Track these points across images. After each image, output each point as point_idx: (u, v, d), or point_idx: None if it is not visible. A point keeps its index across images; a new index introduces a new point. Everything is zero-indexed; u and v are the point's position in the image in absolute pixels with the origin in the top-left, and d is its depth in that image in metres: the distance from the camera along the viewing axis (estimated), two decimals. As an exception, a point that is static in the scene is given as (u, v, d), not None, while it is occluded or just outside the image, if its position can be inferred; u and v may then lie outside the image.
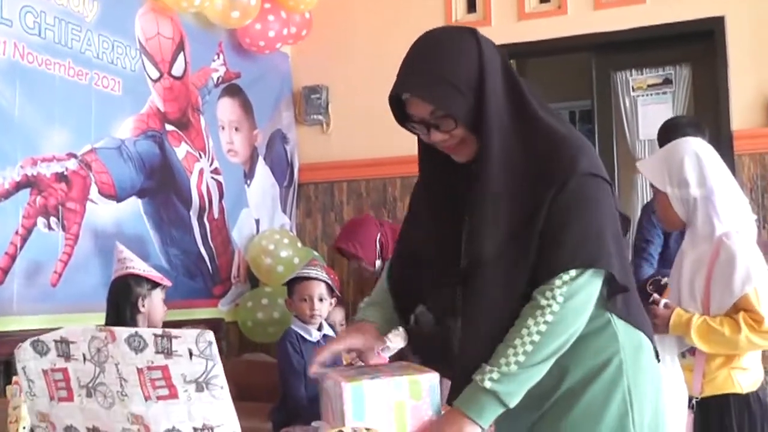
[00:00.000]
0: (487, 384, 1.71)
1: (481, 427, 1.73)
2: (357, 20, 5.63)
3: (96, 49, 4.01)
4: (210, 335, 1.34)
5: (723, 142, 4.95)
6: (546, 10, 5.38)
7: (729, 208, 2.74)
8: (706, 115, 5.10)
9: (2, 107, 3.53)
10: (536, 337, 1.73)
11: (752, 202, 4.86)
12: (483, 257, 1.80)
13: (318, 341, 3.55)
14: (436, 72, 1.79)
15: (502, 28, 5.40)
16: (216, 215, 4.80)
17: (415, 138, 1.92)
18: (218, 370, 1.36)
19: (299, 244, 5.11)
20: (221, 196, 4.87)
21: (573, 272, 1.75)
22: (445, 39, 1.85)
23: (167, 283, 3.34)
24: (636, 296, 1.96)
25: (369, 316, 2.03)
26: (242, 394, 4.35)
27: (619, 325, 1.89)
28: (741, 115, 4.96)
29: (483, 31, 4.79)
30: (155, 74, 4.39)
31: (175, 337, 1.36)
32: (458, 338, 1.87)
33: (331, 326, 3.78)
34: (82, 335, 1.47)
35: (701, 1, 5.02)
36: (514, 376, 1.73)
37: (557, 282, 1.75)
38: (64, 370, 1.51)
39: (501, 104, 1.82)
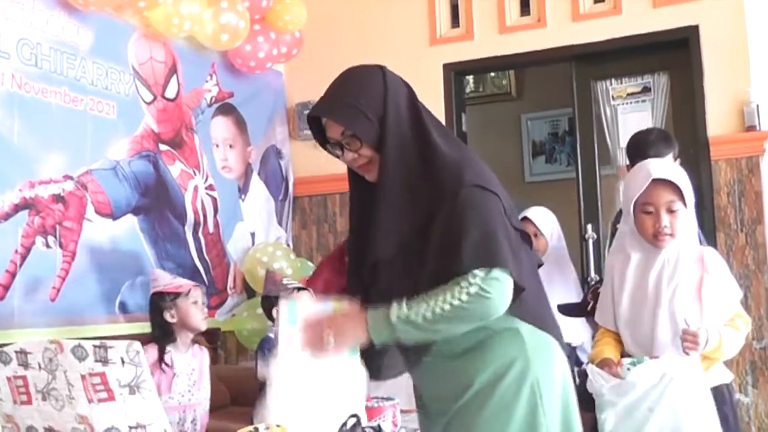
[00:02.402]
0: (393, 318, 1.98)
1: (369, 340, 2.01)
2: (347, 37, 5.82)
3: (91, 76, 4.24)
4: (137, 345, 1.57)
5: (700, 148, 5.11)
6: (526, 23, 5.57)
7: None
8: (684, 121, 5.26)
9: (1, 135, 3.76)
10: (448, 306, 1.97)
11: (729, 207, 5.02)
12: (377, 257, 2.11)
13: None
14: (345, 99, 2.13)
15: (485, 42, 5.60)
16: (211, 229, 5.01)
17: None
18: (146, 375, 1.58)
19: (292, 256, 5.33)
20: (216, 211, 5.07)
21: (480, 271, 1.97)
22: (356, 73, 2.20)
23: (183, 290, 3.57)
24: (542, 298, 2.21)
25: None
26: (239, 400, 4.58)
27: (524, 328, 2.11)
28: (717, 121, 5.09)
29: (467, 44, 5.13)
30: (149, 97, 4.62)
31: (110, 347, 1.58)
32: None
33: None
34: (38, 347, 1.71)
35: (676, 10, 5.18)
36: (418, 324, 1.98)
37: (471, 277, 1.97)
38: (24, 377, 1.74)
39: (402, 129, 2.13)
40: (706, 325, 2.63)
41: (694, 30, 5.15)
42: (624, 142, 5.50)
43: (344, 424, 1.85)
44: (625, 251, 2.82)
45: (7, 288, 3.73)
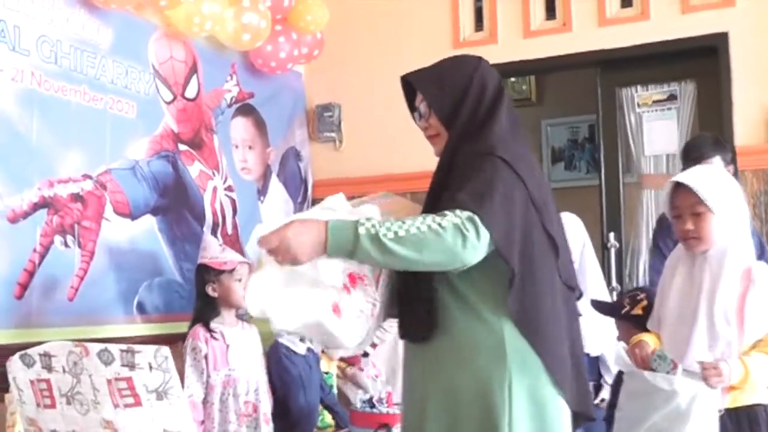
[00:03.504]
0: (361, 230, 1.93)
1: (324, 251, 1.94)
2: (368, 39, 5.78)
3: (111, 75, 4.20)
4: (166, 350, 1.51)
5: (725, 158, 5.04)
6: (551, 28, 5.48)
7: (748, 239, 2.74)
8: (710, 130, 5.13)
9: (20, 133, 3.72)
10: (424, 228, 1.94)
11: (755, 218, 4.93)
12: None
13: (306, 355, 3.73)
14: (433, 72, 2.30)
15: (509, 46, 5.52)
16: (230, 231, 4.97)
17: (426, 154, 2.41)
18: (174, 381, 1.53)
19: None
20: (235, 212, 5.04)
21: (465, 212, 1.98)
22: (455, 57, 2.40)
23: (228, 267, 3.59)
24: (548, 314, 2.13)
25: None
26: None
27: (510, 344, 2.07)
28: (744, 131, 5.00)
29: (489, 49, 5.13)
30: (169, 97, 4.58)
31: (137, 352, 1.53)
32: None
33: None
34: (62, 350, 1.65)
35: (705, 17, 5.09)
36: (382, 243, 1.93)
37: (450, 212, 1.98)
38: (48, 381, 1.69)
39: (474, 118, 2.22)
40: (733, 350, 2.56)
41: (723, 37, 5.06)
42: (648, 150, 5.47)
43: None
44: (677, 256, 2.82)
45: (25, 287, 3.69)
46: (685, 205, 2.67)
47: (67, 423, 1.67)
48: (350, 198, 2.31)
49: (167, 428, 1.55)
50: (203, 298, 3.63)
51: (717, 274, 2.62)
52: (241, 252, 4.97)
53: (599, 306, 3.25)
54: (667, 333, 2.73)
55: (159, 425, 1.56)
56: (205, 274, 3.63)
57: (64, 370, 1.64)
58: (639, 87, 5.52)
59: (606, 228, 5.40)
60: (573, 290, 2.25)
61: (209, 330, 3.54)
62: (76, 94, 4.01)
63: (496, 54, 5.55)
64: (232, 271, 3.61)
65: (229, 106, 5.11)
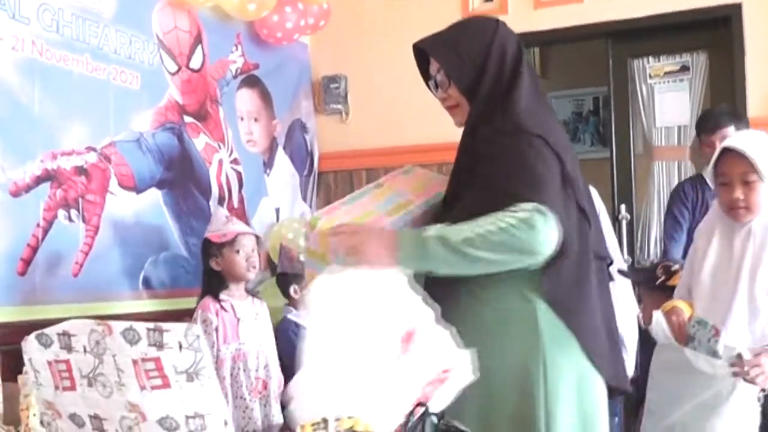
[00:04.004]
0: (430, 232, 1.90)
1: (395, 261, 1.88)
2: (375, 10, 5.67)
3: (114, 45, 4.08)
4: (198, 329, 1.42)
5: (740, 129, 4.96)
6: (563, -2, 5.38)
7: None
8: (723, 101, 5.09)
9: (22, 103, 3.61)
10: (493, 228, 1.87)
11: (767, 190, 4.89)
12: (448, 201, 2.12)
13: None
14: (449, 38, 2.17)
15: (519, 17, 5.39)
16: (236, 204, 4.88)
17: (433, 126, 2.55)
18: (206, 361, 1.44)
19: (318, 233, 5.17)
20: (241, 186, 4.94)
21: (529, 204, 1.88)
22: (471, 20, 2.38)
23: (227, 238, 3.52)
24: (578, 281, 2.05)
25: None
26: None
27: (547, 321, 2.00)
28: (757, 103, 4.94)
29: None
30: (173, 67, 4.47)
31: (166, 330, 1.43)
32: None
33: None
34: (82, 328, 1.56)
35: (718, -13, 5.00)
36: (451, 246, 1.87)
37: (514, 208, 1.89)
38: (67, 362, 1.59)
39: (498, 85, 2.10)
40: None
41: (736, 8, 4.99)
42: (660, 122, 5.40)
43: (411, 413, 1.71)
44: (712, 225, 2.69)
45: (28, 263, 3.59)
46: (735, 172, 2.55)
47: (89, 406, 1.58)
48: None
49: (198, 411, 1.46)
50: (209, 273, 3.57)
51: (761, 247, 2.52)
52: (248, 226, 4.88)
53: (634, 274, 3.17)
54: (700, 305, 2.61)
55: (189, 408, 1.47)
56: (209, 248, 3.57)
57: (85, 350, 1.55)
58: (651, 58, 5.47)
59: (617, 200, 5.33)
60: (603, 260, 2.20)
61: (219, 302, 3.46)
62: (79, 64, 3.89)
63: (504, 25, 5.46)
64: (232, 242, 3.53)
65: (235, 77, 5.00)
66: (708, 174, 2.69)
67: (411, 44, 2.28)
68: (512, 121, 2.03)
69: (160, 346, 1.45)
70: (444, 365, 1.81)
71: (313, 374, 1.72)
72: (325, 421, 1.57)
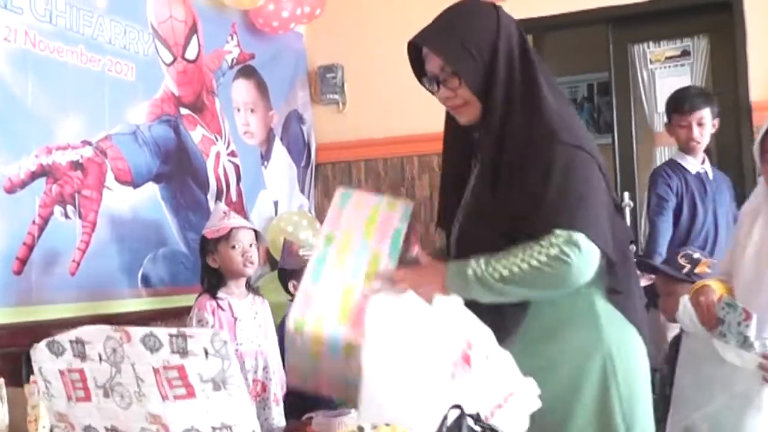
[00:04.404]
0: (470, 273, 1.86)
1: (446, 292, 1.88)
2: (371, -2, 5.58)
3: (108, 35, 3.98)
4: (224, 334, 1.33)
5: (742, 113, 4.93)
6: (562, -17, 5.30)
7: None
8: (725, 86, 5.06)
9: (15, 96, 3.51)
10: (525, 266, 1.83)
11: (770, 175, 4.83)
12: (476, 211, 2.03)
13: None
14: (452, 32, 1.99)
15: (517, 3, 5.27)
16: (234, 198, 4.78)
17: (432, 116, 2.21)
18: (234, 369, 1.35)
19: (318, 225, 5.10)
20: (238, 179, 4.85)
21: (563, 231, 1.83)
22: (468, 7, 2.06)
23: (222, 233, 3.40)
24: (633, 278, 2.08)
25: None
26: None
27: (603, 312, 1.99)
28: (760, 87, 4.88)
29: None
30: (169, 58, 4.36)
31: (190, 336, 1.34)
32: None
33: None
34: (98, 335, 1.46)
35: (719, -30, 4.93)
36: (491, 284, 1.85)
37: (552, 236, 1.83)
38: (81, 371, 1.50)
39: (512, 77, 1.97)
40: None
41: (737, -9, 4.91)
42: (662, 107, 5.32)
43: (445, 417, 1.63)
44: (758, 204, 2.56)
45: (24, 262, 3.49)
46: None
47: (105, 417, 1.49)
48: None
49: (225, 422, 1.38)
50: (207, 271, 3.46)
51: None
52: (247, 220, 4.79)
53: (649, 266, 3.08)
54: (741, 289, 2.46)
55: (215, 419, 1.38)
56: (205, 245, 3.46)
57: (100, 359, 1.45)
58: (651, 43, 5.42)
59: (620, 187, 5.27)
60: (632, 243, 2.22)
61: (216, 300, 3.36)
62: (73, 55, 3.79)
63: (504, 11, 5.37)
64: (227, 237, 3.42)
65: (230, 67, 4.90)
66: (756, 150, 2.55)
67: (408, 31, 2.09)
68: (546, 129, 1.91)
69: (183, 353, 1.36)
70: (506, 389, 1.79)
71: (374, 387, 1.66)
72: (360, 429, 1.48)
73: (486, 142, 2.01)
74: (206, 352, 1.34)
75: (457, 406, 1.69)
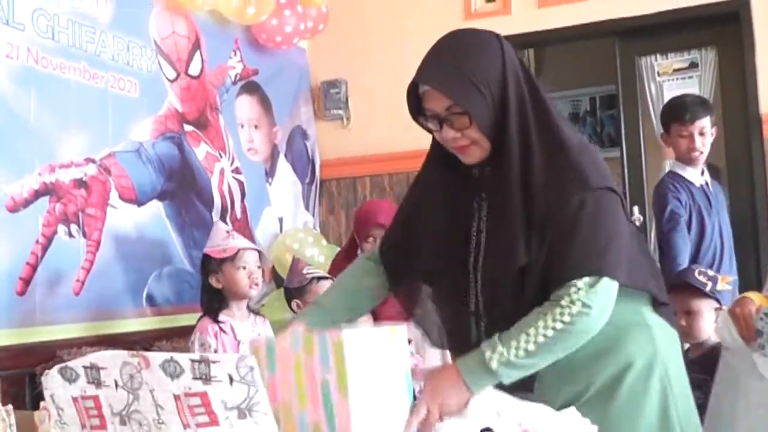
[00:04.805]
0: (494, 365, 1.74)
1: (471, 395, 1.76)
2: (374, 12, 5.52)
3: (111, 51, 3.92)
4: (252, 360, 1.26)
5: (752, 125, 4.89)
6: (567, -4, 5.25)
7: None
8: (734, 98, 5.03)
9: (17, 113, 3.45)
10: (551, 332, 1.75)
11: (780, 185, 4.80)
12: (515, 266, 1.84)
13: None
14: (458, 68, 1.82)
15: (522, 16, 5.28)
16: (239, 215, 4.72)
17: None
18: (261, 396, 1.27)
19: (324, 242, 5.03)
20: (243, 196, 4.78)
21: (587, 279, 1.77)
22: (469, 38, 1.91)
23: (228, 254, 3.33)
24: (663, 289, 2.02)
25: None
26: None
27: (654, 321, 1.94)
28: (769, 98, 4.83)
29: (503, 20, 4.72)
30: (172, 74, 4.31)
31: (214, 362, 1.27)
32: (476, 328, 1.95)
33: None
34: (113, 361, 1.39)
35: (726, -18, 4.89)
36: (521, 364, 1.76)
37: (573, 288, 1.77)
38: (95, 398, 1.43)
39: (524, 112, 1.85)
40: None
41: (744, 3, 4.89)
42: (671, 121, 5.29)
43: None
44: None
45: (28, 282, 3.42)
46: None
47: (122, 446, 1.41)
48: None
49: (250, 452, 1.30)
50: (208, 291, 3.38)
51: None
52: (251, 237, 4.73)
53: (694, 283, 3.00)
54: None
55: (240, 448, 1.30)
56: (208, 264, 3.38)
57: (116, 385, 1.38)
58: (659, 55, 5.37)
59: (629, 202, 5.21)
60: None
61: (218, 323, 3.29)
62: (76, 71, 3.73)
63: (509, 25, 5.30)
64: (234, 258, 3.34)
65: (234, 83, 4.84)
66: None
67: (412, 45, 2.02)
68: (576, 174, 1.81)
69: (207, 379, 1.29)
70: None
71: None
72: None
73: (502, 181, 1.87)
74: (231, 379, 1.27)
75: (488, 429, 1.64)
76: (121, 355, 1.38)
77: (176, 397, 1.32)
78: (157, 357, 1.33)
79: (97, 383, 1.42)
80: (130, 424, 1.40)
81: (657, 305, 1.98)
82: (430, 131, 1.94)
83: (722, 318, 2.41)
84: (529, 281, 1.83)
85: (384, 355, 1.58)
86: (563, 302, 1.76)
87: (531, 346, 1.75)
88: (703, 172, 3.80)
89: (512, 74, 1.85)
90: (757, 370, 2.27)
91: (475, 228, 1.95)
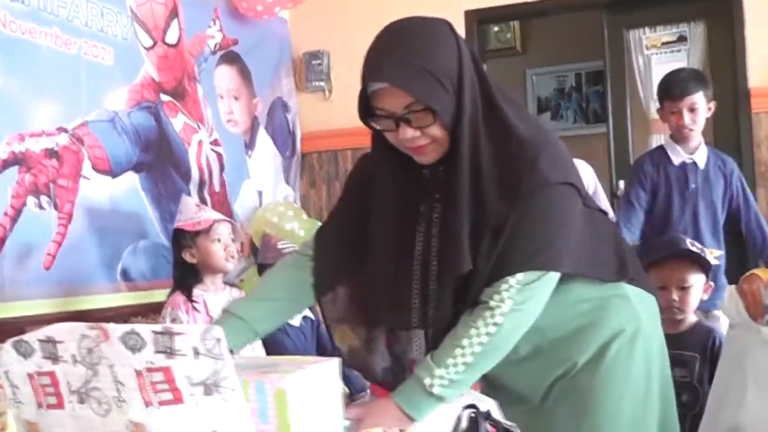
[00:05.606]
0: (436, 390, 1.64)
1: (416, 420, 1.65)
2: (358, -19, 5.41)
3: (84, 17, 3.78)
4: (218, 331, 1.16)
5: (740, 100, 4.86)
6: (554, -33, 5.17)
7: None
8: (723, 72, 4.98)
9: (-14, 80, 3.32)
10: (485, 338, 1.66)
11: (771, 160, 4.76)
12: (462, 268, 1.71)
13: (301, 325, 3.54)
14: (416, 62, 1.66)
15: (509, -13, 5.20)
16: (217, 188, 4.61)
17: None
18: (229, 370, 1.17)
19: (304, 216, 4.94)
20: (222, 168, 4.67)
21: (520, 276, 1.68)
22: (421, 28, 1.73)
23: (203, 227, 3.28)
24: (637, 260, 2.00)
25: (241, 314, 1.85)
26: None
27: (633, 291, 1.90)
28: (758, 73, 4.81)
29: None
30: (148, 42, 4.17)
31: (178, 334, 1.17)
32: (419, 345, 1.84)
33: None
34: (71, 334, 1.28)
35: (716, -46, 4.85)
36: (462, 379, 1.66)
37: (505, 285, 1.68)
38: (52, 374, 1.32)
39: (475, 104, 1.71)
40: None
41: (735, -24, 4.82)
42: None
43: (459, 418, 1.50)
44: None
45: (-5, 256, 3.30)
46: None
47: (80, 426, 1.31)
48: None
49: (218, 430, 1.20)
50: (182, 266, 3.31)
51: None
52: (229, 211, 4.63)
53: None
54: None
55: (207, 426, 1.21)
56: (181, 238, 3.32)
57: (74, 360, 1.28)
58: (647, 29, 5.32)
59: (615, 176, 5.16)
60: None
61: (190, 298, 3.21)
62: (47, 37, 3.59)
63: (491, -4, 5.23)
64: (208, 231, 3.28)
65: (213, 53, 4.71)
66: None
67: (395, 17, 1.78)
68: (526, 167, 1.70)
69: (170, 353, 1.18)
70: None
71: None
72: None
73: (457, 181, 1.72)
74: (196, 352, 1.17)
75: (471, 405, 1.57)
76: (79, 327, 1.27)
77: (138, 373, 1.22)
78: (117, 329, 1.22)
79: (54, 358, 1.31)
80: (88, 402, 1.29)
81: (631, 279, 1.92)
82: (377, 133, 1.80)
83: (729, 295, 2.34)
84: (476, 287, 1.73)
85: (321, 394, 1.45)
86: (492, 302, 1.67)
87: (469, 359, 1.65)
88: (695, 150, 3.71)
89: (467, 63, 1.71)
90: (766, 345, 2.20)
91: (424, 233, 1.83)
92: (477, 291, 1.70)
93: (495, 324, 1.65)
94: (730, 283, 2.55)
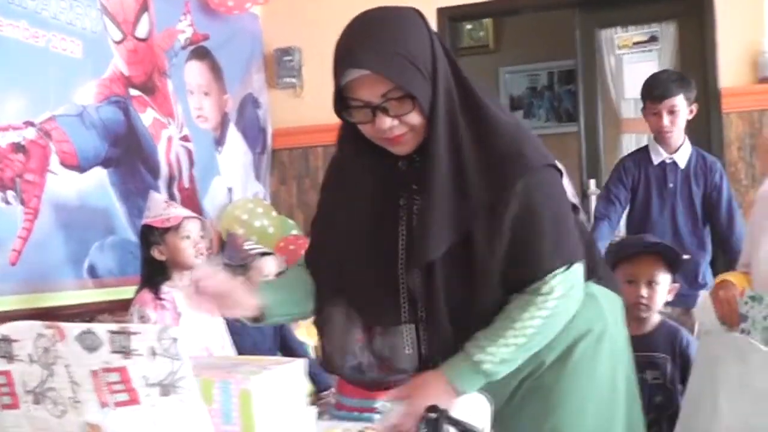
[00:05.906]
0: (487, 366, 1.70)
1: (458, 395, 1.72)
2: (330, -22, 5.39)
3: (53, 9, 3.74)
4: (174, 331, 1.14)
5: (711, 100, 4.86)
6: (527, -35, 5.18)
7: None
8: (694, 72, 4.96)
9: (-50, 73, 3.29)
10: (538, 321, 1.72)
11: (740, 161, 4.80)
12: (427, 258, 1.71)
13: None
14: (391, 48, 1.64)
15: (483, -16, 5.20)
16: (186, 184, 4.58)
17: None
18: (186, 370, 1.16)
19: (274, 213, 4.92)
20: (191, 164, 4.64)
21: (561, 266, 1.74)
22: (392, 16, 1.72)
23: (172, 223, 3.26)
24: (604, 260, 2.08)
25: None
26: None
27: (599, 291, 1.92)
28: (729, 73, 4.83)
29: None
30: (118, 36, 4.13)
31: (134, 333, 1.16)
32: (411, 340, 1.82)
33: None
34: (28, 333, 1.27)
35: (688, -46, 4.87)
36: (512, 359, 1.73)
37: (550, 275, 1.73)
38: (7, 373, 1.30)
39: (450, 91, 1.70)
40: None
41: (705, -25, 4.84)
42: (629, 94, 5.25)
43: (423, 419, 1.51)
44: None
45: (-41, 251, 3.26)
46: None
47: (36, 427, 1.29)
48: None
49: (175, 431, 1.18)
50: (150, 264, 3.29)
51: None
52: (199, 208, 4.60)
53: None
54: (760, 281, 2.29)
55: (163, 428, 1.19)
56: (149, 235, 3.30)
57: (30, 360, 1.26)
58: (619, 28, 5.34)
59: (586, 175, 5.18)
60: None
61: (158, 296, 3.19)
62: (15, 30, 3.54)
63: (465, -8, 5.23)
64: (177, 228, 3.27)
65: (183, 48, 4.68)
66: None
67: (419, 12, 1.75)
68: (509, 152, 1.69)
69: (126, 353, 1.17)
70: None
71: None
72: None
73: (434, 170, 1.70)
74: (153, 352, 1.15)
75: (433, 407, 1.57)
76: (35, 326, 1.25)
77: (94, 373, 1.20)
78: (72, 328, 1.21)
79: (9, 357, 1.29)
80: (44, 402, 1.27)
81: (600, 279, 1.95)
82: (347, 131, 1.78)
83: (703, 301, 2.33)
84: (485, 281, 1.74)
85: (285, 395, 1.44)
86: (545, 288, 1.72)
87: (521, 340, 1.72)
88: (677, 150, 3.74)
89: (439, 51, 1.70)
90: (739, 353, 2.19)
91: (406, 226, 1.79)
92: (490, 285, 1.74)
93: (547, 308, 1.72)
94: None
